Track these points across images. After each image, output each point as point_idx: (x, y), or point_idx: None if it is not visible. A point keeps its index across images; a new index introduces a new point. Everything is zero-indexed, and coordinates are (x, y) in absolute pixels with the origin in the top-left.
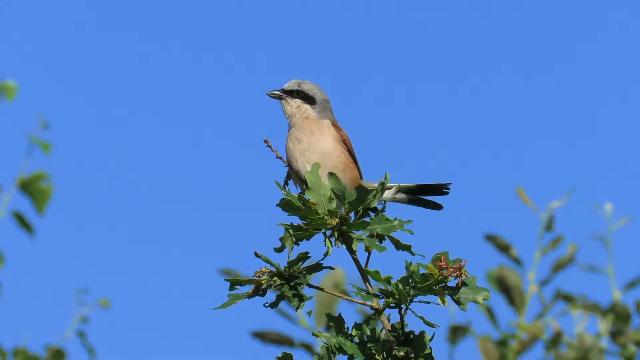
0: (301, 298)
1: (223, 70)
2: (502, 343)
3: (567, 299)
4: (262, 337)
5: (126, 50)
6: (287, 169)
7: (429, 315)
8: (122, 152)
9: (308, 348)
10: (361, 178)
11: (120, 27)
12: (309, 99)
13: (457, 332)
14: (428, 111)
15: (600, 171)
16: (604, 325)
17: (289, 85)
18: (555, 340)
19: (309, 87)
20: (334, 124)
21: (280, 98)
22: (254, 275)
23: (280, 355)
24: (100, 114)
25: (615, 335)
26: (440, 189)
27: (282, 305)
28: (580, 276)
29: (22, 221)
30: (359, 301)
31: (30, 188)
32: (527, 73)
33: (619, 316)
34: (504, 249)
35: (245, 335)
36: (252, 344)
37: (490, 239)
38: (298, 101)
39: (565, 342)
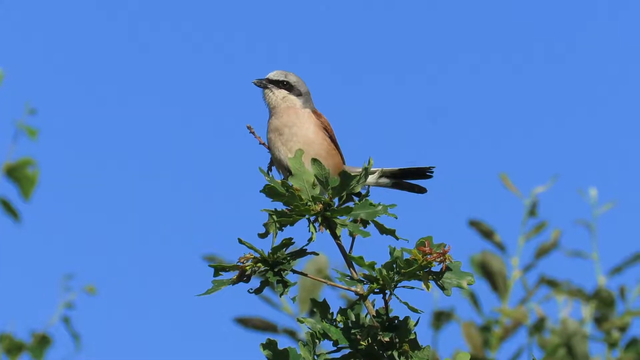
0: (285, 284)
1: (205, 57)
2: (485, 328)
3: (551, 284)
4: (246, 323)
5: (111, 35)
6: (270, 155)
7: (412, 300)
8: (108, 138)
9: (291, 334)
10: (344, 163)
11: (106, 11)
12: (294, 91)
13: (440, 318)
14: (412, 96)
15: (584, 156)
16: (588, 311)
17: (275, 75)
18: (538, 326)
19: (295, 79)
20: (314, 112)
21: (265, 87)
22: (238, 262)
23: (264, 342)
24: (86, 100)
25: (599, 321)
26: (423, 173)
27: (266, 291)
28: (565, 261)
29: (7, 207)
30: (343, 286)
31: (16, 174)
32: (510, 59)
33: (603, 302)
34: (487, 234)
35: (228, 322)
36: (235, 330)
37: (474, 224)
38: (284, 92)
39: (549, 328)
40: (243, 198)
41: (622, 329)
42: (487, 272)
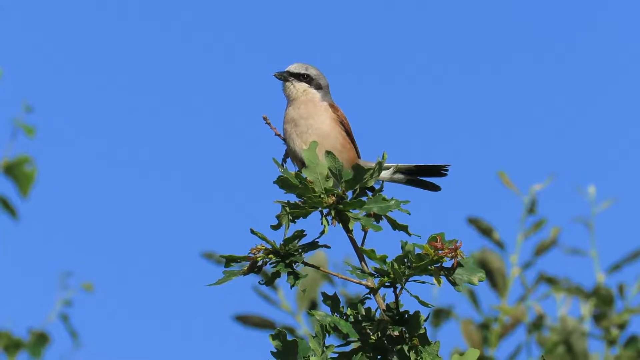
0: (296, 276)
1: (217, 47)
2: (484, 326)
3: (550, 282)
4: (244, 320)
5: (110, 31)
6: (285, 146)
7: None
8: (106, 134)
9: (290, 331)
10: (359, 158)
11: (104, 8)
12: (314, 84)
13: (439, 315)
14: (411, 95)
15: (583, 154)
16: (586, 309)
17: (296, 68)
18: (537, 324)
19: (316, 73)
20: (331, 105)
21: (286, 80)
22: (250, 253)
23: (274, 333)
24: (84, 97)
25: (598, 318)
26: (438, 171)
27: (265, 288)
28: (563, 259)
29: (5, 205)
30: (354, 280)
31: (14, 171)
32: (511, 58)
33: (602, 299)
34: (486, 232)
35: (227, 319)
36: (234, 328)
37: (473, 222)
38: (305, 85)
39: (547, 325)
40: (256, 189)
41: (621, 326)
42: (486, 270)
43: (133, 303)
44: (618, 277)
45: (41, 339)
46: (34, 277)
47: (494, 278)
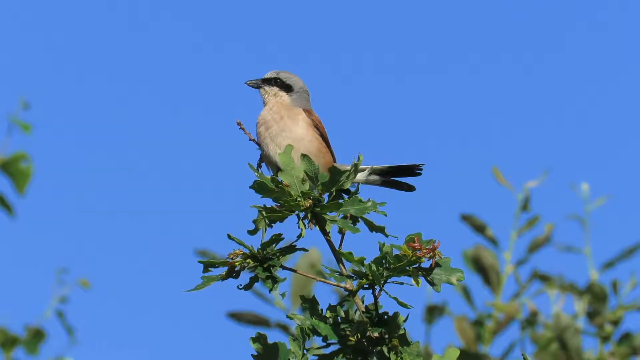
0: (275, 280)
1: (199, 54)
2: (478, 323)
3: (544, 279)
4: (238, 317)
5: (106, 29)
6: (260, 151)
7: (405, 295)
8: (101, 133)
9: (284, 328)
10: (335, 162)
11: (101, 5)
12: (286, 87)
13: (433, 312)
14: (403, 92)
15: (576, 151)
16: (580, 306)
17: (268, 74)
18: (531, 320)
19: (286, 76)
20: (306, 110)
21: (258, 87)
22: (228, 258)
23: (254, 336)
24: (80, 94)
25: (591, 315)
26: (412, 170)
27: (258, 286)
28: (557, 256)
29: (2, 201)
30: (333, 282)
31: (10, 168)
32: (502, 53)
33: (596, 296)
34: (479, 229)
35: (221, 316)
36: (228, 325)
37: (466, 219)
38: (275, 89)
39: (541, 322)
40: (233, 194)
41: (615, 323)
42: (480, 267)
43: (129, 299)
44: (612, 274)
45: (37, 335)
46: (30, 274)
47: (487, 275)
